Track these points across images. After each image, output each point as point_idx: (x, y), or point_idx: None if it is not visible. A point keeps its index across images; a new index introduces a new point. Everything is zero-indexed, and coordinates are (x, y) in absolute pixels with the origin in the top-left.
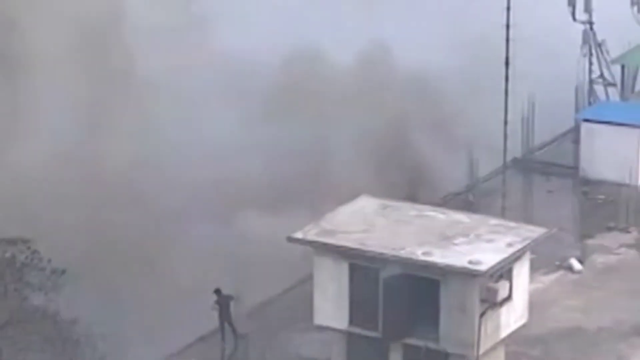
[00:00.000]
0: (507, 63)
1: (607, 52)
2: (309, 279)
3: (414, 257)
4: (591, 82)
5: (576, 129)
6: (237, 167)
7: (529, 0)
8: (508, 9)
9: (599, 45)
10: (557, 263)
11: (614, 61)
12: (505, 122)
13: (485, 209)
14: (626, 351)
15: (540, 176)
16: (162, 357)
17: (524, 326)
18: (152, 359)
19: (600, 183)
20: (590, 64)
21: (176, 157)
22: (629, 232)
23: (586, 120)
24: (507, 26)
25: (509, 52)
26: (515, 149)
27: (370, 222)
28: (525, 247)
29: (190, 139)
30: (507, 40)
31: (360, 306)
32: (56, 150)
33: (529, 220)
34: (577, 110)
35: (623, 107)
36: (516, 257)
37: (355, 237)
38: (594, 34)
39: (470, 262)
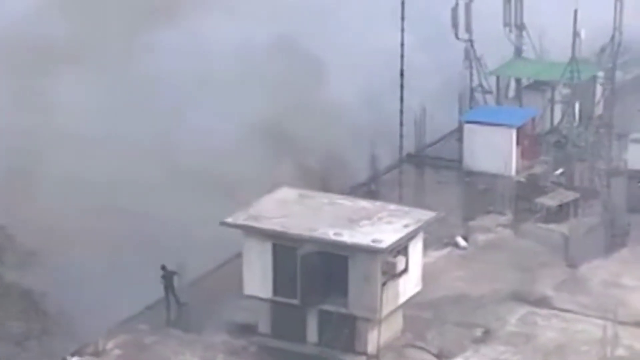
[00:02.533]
0: (401, 74)
1: (485, 65)
2: (239, 256)
3: (326, 237)
4: (472, 90)
5: (460, 129)
6: None
7: (420, 23)
8: (402, 30)
9: (478, 59)
10: (446, 241)
11: (490, 73)
12: (401, 124)
13: (385, 197)
14: (503, 313)
15: (431, 169)
16: (115, 323)
17: (418, 293)
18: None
19: (480, 174)
20: (471, 75)
21: None
22: (504, 214)
23: (468, 122)
24: (402, 45)
25: (403, 65)
26: (410, 146)
27: (289, 209)
28: (418, 228)
29: None
30: (402, 55)
31: (282, 279)
32: None
33: (421, 205)
34: (460, 113)
35: (498, 111)
36: (411, 236)
37: (277, 221)
38: (474, 50)
39: (373, 241)
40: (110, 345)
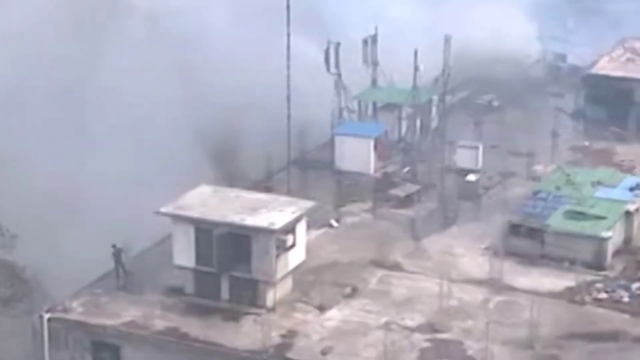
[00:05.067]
0: (288, 99)
1: (350, 92)
2: (170, 236)
3: (234, 221)
4: (340, 110)
5: (332, 139)
6: None
7: (302, 60)
8: (288, 67)
9: (344, 88)
10: (322, 222)
11: (354, 97)
12: (289, 137)
13: (277, 191)
14: (366, 276)
15: (312, 170)
16: (79, 288)
17: (303, 262)
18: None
19: (347, 173)
20: (340, 99)
21: None
22: (366, 202)
23: (338, 134)
24: (288, 77)
25: (289, 92)
26: (295, 152)
27: (206, 201)
28: (303, 213)
29: None
30: (288, 86)
31: (202, 252)
32: None
33: (305, 197)
34: (332, 127)
35: (360, 126)
36: (297, 220)
37: (198, 210)
38: (341, 81)
39: (269, 223)
40: (74, 304)
